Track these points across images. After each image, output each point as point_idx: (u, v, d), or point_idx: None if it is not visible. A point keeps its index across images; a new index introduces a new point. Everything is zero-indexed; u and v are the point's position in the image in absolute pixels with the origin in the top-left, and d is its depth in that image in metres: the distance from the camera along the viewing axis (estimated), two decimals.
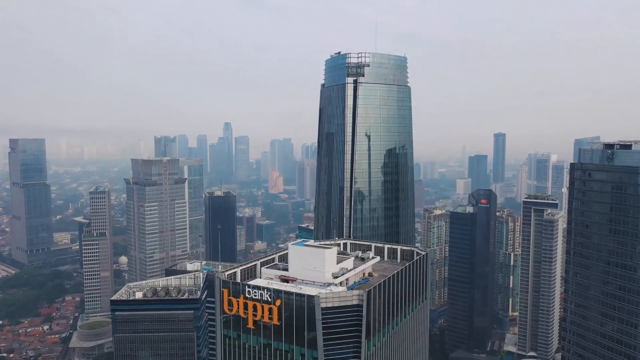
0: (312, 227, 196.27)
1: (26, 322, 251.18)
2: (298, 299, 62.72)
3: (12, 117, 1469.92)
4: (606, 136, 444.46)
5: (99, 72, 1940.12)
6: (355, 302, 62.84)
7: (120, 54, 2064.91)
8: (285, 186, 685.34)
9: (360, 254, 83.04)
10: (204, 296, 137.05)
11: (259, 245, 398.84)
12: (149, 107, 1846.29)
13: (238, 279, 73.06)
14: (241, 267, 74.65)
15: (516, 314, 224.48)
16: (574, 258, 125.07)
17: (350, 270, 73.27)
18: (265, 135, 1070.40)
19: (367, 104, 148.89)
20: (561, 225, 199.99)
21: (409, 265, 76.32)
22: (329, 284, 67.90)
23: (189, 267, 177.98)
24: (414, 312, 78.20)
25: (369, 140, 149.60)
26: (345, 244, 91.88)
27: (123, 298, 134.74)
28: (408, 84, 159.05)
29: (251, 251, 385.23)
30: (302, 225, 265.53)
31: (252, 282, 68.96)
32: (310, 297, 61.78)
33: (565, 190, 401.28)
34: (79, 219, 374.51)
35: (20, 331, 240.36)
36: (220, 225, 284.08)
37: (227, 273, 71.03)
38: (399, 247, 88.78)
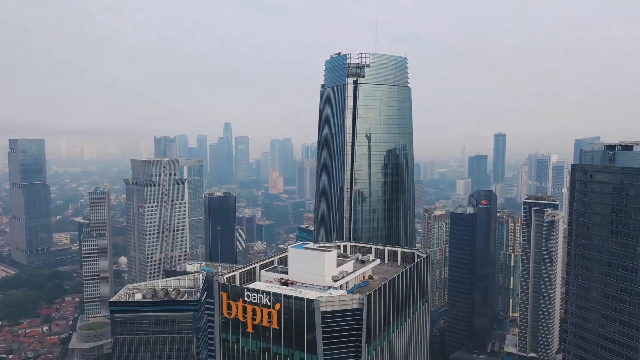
0: (312, 228, 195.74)
1: (25, 322, 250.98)
2: (297, 302, 62.16)
3: (12, 117, 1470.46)
4: (606, 136, 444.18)
5: (99, 72, 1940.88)
6: (355, 306, 62.28)
7: (120, 54, 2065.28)
8: (285, 186, 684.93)
9: (360, 256, 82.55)
10: (203, 297, 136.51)
11: (259, 245, 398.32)
12: (149, 107, 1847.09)
13: (237, 282, 72.50)
14: (240, 270, 74.10)
15: (516, 314, 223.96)
16: (575, 259, 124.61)
17: (351, 273, 72.73)
18: (265, 135, 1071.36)
19: (367, 105, 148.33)
20: (562, 226, 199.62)
21: (410, 268, 75.76)
22: (329, 287, 67.37)
23: (189, 268, 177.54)
24: (414, 315, 77.64)
25: (369, 141, 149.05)
26: (345, 246, 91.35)
27: (122, 299, 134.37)
28: (408, 85, 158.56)
29: (251, 251, 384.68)
30: (302, 226, 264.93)
31: (251, 286, 68.40)
32: (310, 301, 61.23)
33: (565, 190, 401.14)
34: (79, 219, 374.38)
35: (19, 332, 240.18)
36: (220, 226, 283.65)
37: (226, 276, 70.47)
38: (399, 250, 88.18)
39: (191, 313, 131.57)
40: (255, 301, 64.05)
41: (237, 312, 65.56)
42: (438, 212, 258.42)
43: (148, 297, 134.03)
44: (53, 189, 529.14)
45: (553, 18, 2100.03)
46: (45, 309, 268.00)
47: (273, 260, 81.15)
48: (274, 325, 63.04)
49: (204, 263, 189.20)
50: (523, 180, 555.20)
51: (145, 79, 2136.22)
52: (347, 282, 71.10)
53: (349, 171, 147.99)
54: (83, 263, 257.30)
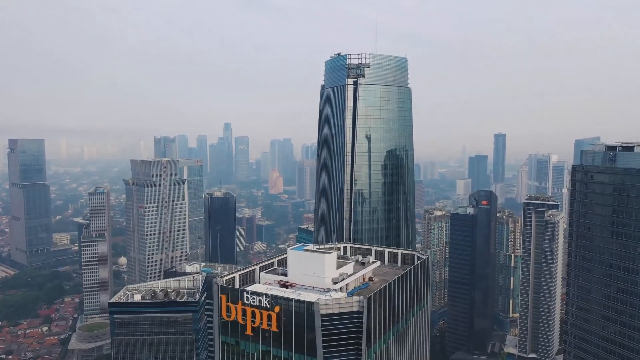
0: (312, 229, 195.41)
1: (25, 323, 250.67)
2: (297, 305, 61.74)
3: (12, 117, 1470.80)
4: (606, 136, 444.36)
5: (99, 72, 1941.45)
6: (355, 309, 61.86)
7: (120, 54, 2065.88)
8: (285, 186, 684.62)
9: (360, 258, 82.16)
10: (203, 298, 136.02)
11: (259, 246, 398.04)
12: (149, 107, 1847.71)
13: (236, 284, 72.12)
14: (240, 272, 73.69)
15: (517, 315, 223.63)
16: (576, 260, 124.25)
17: (351, 275, 72.31)
18: (265, 135, 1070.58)
19: (368, 106, 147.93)
20: (562, 226, 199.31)
21: (410, 270, 75.37)
22: (329, 290, 66.97)
23: (188, 269, 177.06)
24: (415, 317, 77.25)
25: (369, 142, 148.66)
26: (345, 248, 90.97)
27: (121, 300, 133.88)
28: (409, 85, 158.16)
29: (251, 252, 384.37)
30: (301, 227, 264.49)
31: (250, 288, 67.99)
32: (310, 304, 60.83)
33: (565, 191, 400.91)
34: (79, 219, 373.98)
35: (19, 332, 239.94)
36: (220, 227, 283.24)
37: (225, 278, 70.06)
38: (399, 251, 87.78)
39: (191, 314, 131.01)
40: (255, 304, 63.65)
41: (236, 314, 65.18)
42: (438, 213, 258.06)
43: (147, 298, 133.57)
44: (53, 189, 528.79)
45: (553, 18, 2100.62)
46: (45, 310, 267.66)
47: (273, 262, 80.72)
48: (274, 328, 62.64)
49: (203, 264, 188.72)
50: (523, 180, 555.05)
51: (145, 79, 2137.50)
52: (347, 285, 70.70)
53: (349, 172, 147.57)
54: (83, 263, 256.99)
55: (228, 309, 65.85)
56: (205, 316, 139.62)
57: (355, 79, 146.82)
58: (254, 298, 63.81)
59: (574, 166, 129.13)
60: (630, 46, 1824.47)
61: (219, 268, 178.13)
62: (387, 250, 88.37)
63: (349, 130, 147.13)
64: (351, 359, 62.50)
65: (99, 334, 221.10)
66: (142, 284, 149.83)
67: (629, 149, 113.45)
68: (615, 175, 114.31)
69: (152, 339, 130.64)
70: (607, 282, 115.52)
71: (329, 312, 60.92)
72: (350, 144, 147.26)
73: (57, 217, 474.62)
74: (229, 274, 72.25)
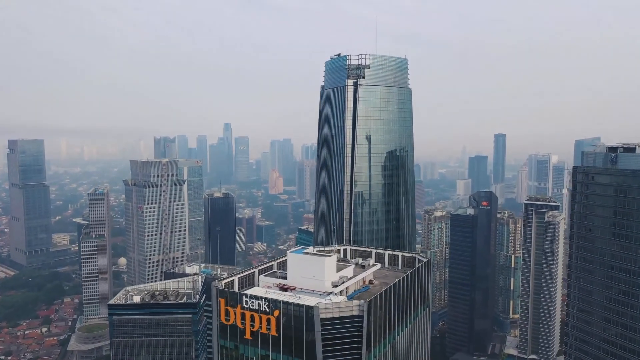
0: (312, 229, 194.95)
1: (24, 324, 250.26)
2: (297, 309, 61.21)
3: (12, 117, 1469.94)
4: (606, 136, 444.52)
5: (99, 72, 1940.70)
6: (355, 313, 61.32)
7: (120, 54, 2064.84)
8: (285, 187, 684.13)
9: (360, 260, 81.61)
10: (202, 300, 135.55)
11: (259, 246, 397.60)
12: (149, 107, 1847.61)
13: (235, 287, 71.57)
14: (239, 275, 73.12)
15: (517, 316, 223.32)
16: (577, 262, 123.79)
17: (351, 278, 71.79)
18: (265, 135, 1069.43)
19: (368, 106, 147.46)
20: (562, 227, 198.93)
21: (411, 273, 74.82)
22: (329, 293, 66.44)
23: (188, 270, 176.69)
24: (415, 320, 76.72)
25: (369, 143, 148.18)
26: (345, 250, 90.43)
27: (121, 302, 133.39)
28: (409, 86, 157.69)
29: (251, 252, 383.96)
30: (301, 227, 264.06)
31: (249, 291, 67.44)
32: (309, 308, 60.29)
33: (565, 191, 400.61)
34: (78, 220, 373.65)
35: (18, 333, 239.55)
36: (220, 227, 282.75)
37: (224, 281, 69.50)
38: (400, 254, 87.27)
39: (190, 316, 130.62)
40: (254, 307, 63.12)
41: (235, 318, 64.65)
42: (438, 213, 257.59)
43: (147, 299, 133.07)
44: (53, 190, 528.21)
45: (553, 18, 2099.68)
46: (45, 310, 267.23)
47: (272, 265, 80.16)
48: (273, 332, 62.10)
49: (203, 265, 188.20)
50: (523, 180, 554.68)
51: (145, 79, 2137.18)
52: (347, 288, 70.18)
53: (349, 173, 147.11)
54: (82, 264, 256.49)
55: (227, 313, 65.32)
56: (205, 318, 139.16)
57: (355, 80, 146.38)
58: (253, 302, 63.28)
59: (574, 167, 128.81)
60: (630, 46, 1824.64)
61: (219, 269, 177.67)
62: (387, 252, 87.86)
63: (349, 131, 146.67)
64: None
65: (98, 335, 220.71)
66: (142, 286, 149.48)
67: (630, 150, 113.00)
68: (616, 177, 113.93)
69: (152, 341, 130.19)
70: (608, 284, 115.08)
71: (329, 316, 60.40)
72: (350, 145, 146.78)
73: (57, 218, 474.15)
74: (228, 277, 71.67)
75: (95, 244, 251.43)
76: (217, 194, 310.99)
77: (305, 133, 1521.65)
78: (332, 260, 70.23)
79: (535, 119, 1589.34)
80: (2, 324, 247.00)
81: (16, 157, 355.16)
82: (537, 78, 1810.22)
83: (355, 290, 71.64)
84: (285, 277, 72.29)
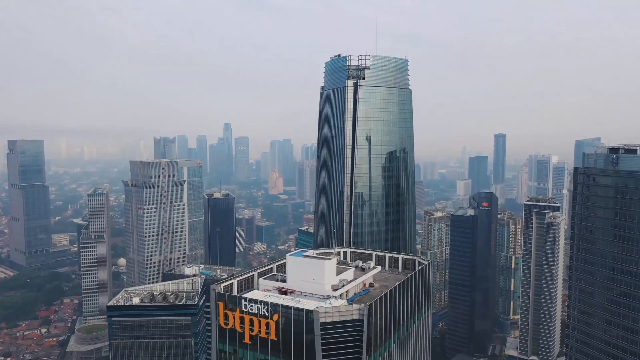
0: (312, 230, 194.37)
1: (24, 325, 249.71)
2: (296, 313, 60.65)
3: (12, 117, 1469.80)
4: (606, 136, 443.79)
5: (99, 72, 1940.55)
6: (355, 317, 60.76)
7: (120, 54, 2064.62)
8: (285, 187, 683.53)
9: (360, 263, 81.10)
10: (201, 302, 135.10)
11: (259, 247, 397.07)
12: (149, 107, 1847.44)
13: (235, 290, 71.06)
14: (238, 278, 72.61)
15: (517, 317, 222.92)
16: (578, 264, 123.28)
17: (351, 281, 71.25)
18: (265, 135, 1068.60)
19: (368, 107, 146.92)
20: (563, 228, 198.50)
21: (411, 276, 74.27)
22: (329, 297, 65.92)
23: (187, 271, 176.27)
24: (416, 324, 76.20)
25: (370, 144, 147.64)
26: (345, 253, 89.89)
27: (120, 303, 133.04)
28: (409, 87, 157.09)
29: (250, 253, 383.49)
30: (301, 228, 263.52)
31: (248, 295, 66.91)
32: (309, 312, 59.74)
33: (566, 191, 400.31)
34: (78, 220, 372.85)
35: (17, 334, 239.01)
36: (219, 228, 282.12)
37: (223, 284, 68.95)
38: (400, 256, 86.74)
39: (189, 317, 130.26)
40: (253, 311, 62.60)
41: (234, 322, 64.13)
42: (438, 214, 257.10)
43: (146, 301, 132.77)
44: (52, 190, 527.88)
45: (553, 18, 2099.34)
46: (44, 311, 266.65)
47: (271, 268, 79.63)
48: (272, 337, 61.57)
49: (202, 266, 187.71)
50: (523, 181, 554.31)
51: (145, 79, 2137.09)
52: (347, 291, 69.66)
53: (349, 174, 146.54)
54: (81, 265, 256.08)
55: (226, 317, 64.80)
56: (204, 319, 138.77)
57: (355, 81, 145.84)
58: (252, 306, 62.76)
59: (575, 168, 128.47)
60: (630, 46, 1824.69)
61: (218, 270, 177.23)
62: (387, 255, 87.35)
63: (349, 132, 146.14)
64: None
65: (97, 336, 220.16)
66: (141, 287, 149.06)
67: (631, 151, 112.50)
68: (617, 178, 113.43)
69: (151, 342, 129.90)
70: (610, 285, 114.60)
71: (329, 320, 59.86)
72: (351, 146, 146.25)
73: (57, 218, 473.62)
74: (227, 280, 71.13)
75: (95, 244, 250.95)
76: (217, 195, 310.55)
77: (305, 133, 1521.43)
78: (332, 264, 69.70)
79: (535, 119, 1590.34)
80: (1, 324, 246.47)
81: (16, 158, 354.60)
82: (537, 78, 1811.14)
83: (355, 294, 71.12)
84: (284, 280, 71.79)
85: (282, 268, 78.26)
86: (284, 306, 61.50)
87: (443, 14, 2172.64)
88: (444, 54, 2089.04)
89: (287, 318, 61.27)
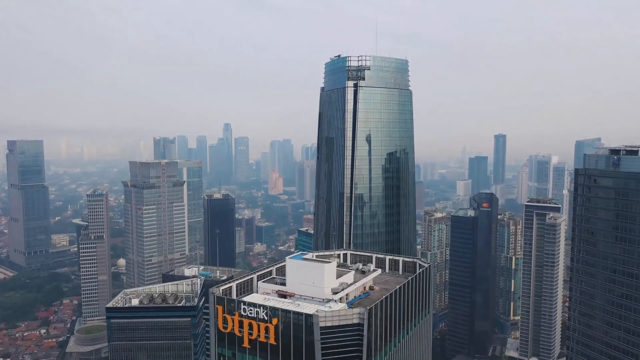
0: (312, 231, 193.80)
1: (23, 325, 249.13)
2: (296, 317, 60.11)
3: (12, 117, 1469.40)
4: (606, 137, 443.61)
5: (99, 72, 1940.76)
6: (355, 321, 60.22)
7: (120, 54, 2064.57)
8: (285, 187, 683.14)
9: (360, 266, 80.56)
10: (201, 303, 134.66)
11: (259, 247, 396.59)
12: (149, 107, 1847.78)
13: (234, 293, 70.53)
14: (237, 281, 72.08)
15: (518, 318, 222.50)
16: (578, 265, 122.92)
17: (351, 284, 70.69)
18: (265, 135, 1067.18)
19: (368, 108, 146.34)
20: (563, 229, 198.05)
21: (412, 279, 73.72)
22: (329, 300, 65.38)
23: (187, 272, 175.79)
24: (416, 327, 75.66)
25: (370, 145, 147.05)
26: (345, 255, 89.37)
27: (119, 305, 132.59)
28: (409, 88, 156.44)
29: (250, 253, 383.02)
30: (301, 229, 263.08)
31: (247, 298, 66.36)
32: (309, 316, 59.19)
33: (566, 192, 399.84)
34: (77, 221, 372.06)
35: (17, 335, 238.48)
36: (219, 229, 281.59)
37: (222, 288, 68.43)
38: (400, 259, 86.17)
39: (189, 319, 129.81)
40: (252, 315, 62.06)
41: (233, 326, 63.59)
42: (439, 215, 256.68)
43: (145, 302, 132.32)
44: (52, 190, 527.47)
45: (553, 18, 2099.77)
46: (43, 312, 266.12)
47: (271, 271, 79.07)
48: (272, 341, 61.03)
49: (202, 267, 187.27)
50: (523, 181, 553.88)
51: (145, 79, 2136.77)
52: (347, 295, 69.11)
53: (349, 175, 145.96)
54: (81, 266, 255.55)
55: (225, 320, 64.26)
56: (204, 321, 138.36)
57: (355, 82, 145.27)
58: (251, 309, 62.21)
59: (576, 169, 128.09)
60: (630, 46, 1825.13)
61: (218, 271, 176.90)
62: (387, 257, 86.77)
63: (349, 133, 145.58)
64: None
65: (97, 337, 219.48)
66: (140, 288, 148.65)
67: (632, 152, 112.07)
68: (618, 179, 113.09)
69: (150, 344, 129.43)
70: (611, 287, 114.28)
71: (329, 324, 59.31)
72: (351, 147, 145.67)
73: (57, 218, 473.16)
74: (226, 283, 70.59)
75: (94, 245, 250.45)
76: (217, 195, 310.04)
77: (305, 133, 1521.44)
78: (331, 267, 69.17)
79: (535, 119, 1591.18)
80: (0, 325, 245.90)
81: (15, 158, 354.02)
82: (537, 78, 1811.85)
83: (355, 297, 70.57)
84: (284, 284, 71.25)
85: (281, 271, 77.75)
86: (283, 310, 60.99)
87: (443, 14, 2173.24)
88: (444, 54, 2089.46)
89: (287, 322, 60.75)
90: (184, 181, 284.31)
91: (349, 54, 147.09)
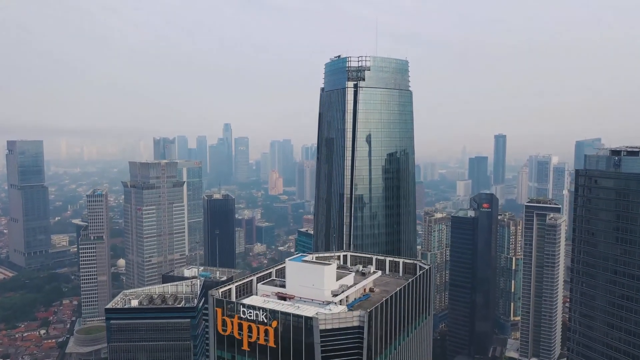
0: (312, 232, 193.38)
1: (23, 326, 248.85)
2: (295, 320, 59.75)
3: (12, 117, 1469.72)
4: (607, 137, 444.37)
5: (99, 72, 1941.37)
6: (355, 324, 59.85)
7: (120, 54, 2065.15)
8: (285, 187, 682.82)
9: (360, 268, 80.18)
10: (200, 304, 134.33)
11: (258, 247, 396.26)
12: (149, 107, 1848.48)
13: (233, 296, 70.16)
14: (236, 284, 71.72)
15: (518, 318, 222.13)
16: (579, 266, 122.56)
17: (351, 286, 70.34)
18: (265, 135, 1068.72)
19: (368, 109, 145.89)
20: (563, 229, 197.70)
21: (412, 281, 73.37)
22: (329, 303, 65.05)
23: (186, 273, 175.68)
24: (417, 329, 75.34)
25: (370, 146, 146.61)
26: (345, 257, 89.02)
27: (118, 306, 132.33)
28: (410, 88, 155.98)
29: (250, 254, 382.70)
30: (301, 230, 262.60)
31: (247, 301, 65.99)
32: (308, 319, 58.84)
33: (566, 192, 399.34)
34: (77, 221, 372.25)
35: (16, 335, 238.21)
36: (218, 230, 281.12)
37: (221, 290, 68.05)
38: (401, 260, 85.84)
39: (188, 320, 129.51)
40: (252, 318, 61.70)
41: (232, 329, 63.24)
42: (439, 215, 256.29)
43: (145, 303, 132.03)
44: (52, 190, 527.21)
45: (553, 18, 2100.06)
46: (43, 312, 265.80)
47: (270, 272, 78.71)
48: (271, 344, 60.65)
49: (202, 268, 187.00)
50: (524, 181, 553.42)
51: (145, 79, 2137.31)
52: (347, 297, 68.76)
53: (349, 176, 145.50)
54: (81, 266, 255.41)
55: (224, 323, 63.90)
56: (203, 322, 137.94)
57: (355, 82, 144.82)
58: (250, 312, 61.84)
59: (577, 170, 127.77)
60: (630, 46, 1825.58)
61: (217, 272, 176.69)
62: (388, 259, 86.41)
63: (349, 134, 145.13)
64: None
65: (96, 338, 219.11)
66: (139, 289, 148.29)
67: (634, 153, 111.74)
68: (619, 180, 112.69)
69: (150, 345, 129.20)
70: (611, 288, 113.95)
71: (329, 327, 58.94)
72: (351, 148, 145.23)
73: (56, 219, 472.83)
74: (225, 286, 70.22)
75: (94, 245, 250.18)
76: (217, 195, 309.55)
77: (305, 133, 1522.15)
78: (331, 269, 68.82)
79: (535, 119, 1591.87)
80: (0, 325, 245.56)
81: (15, 158, 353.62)
82: (537, 78, 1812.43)
83: (355, 299, 70.24)
84: (283, 286, 70.87)
85: (281, 273, 77.41)
86: (283, 313, 60.62)
87: (443, 14, 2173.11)
88: (444, 54, 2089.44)
89: (286, 325, 60.38)
90: (184, 181, 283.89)
91: (349, 54, 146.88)
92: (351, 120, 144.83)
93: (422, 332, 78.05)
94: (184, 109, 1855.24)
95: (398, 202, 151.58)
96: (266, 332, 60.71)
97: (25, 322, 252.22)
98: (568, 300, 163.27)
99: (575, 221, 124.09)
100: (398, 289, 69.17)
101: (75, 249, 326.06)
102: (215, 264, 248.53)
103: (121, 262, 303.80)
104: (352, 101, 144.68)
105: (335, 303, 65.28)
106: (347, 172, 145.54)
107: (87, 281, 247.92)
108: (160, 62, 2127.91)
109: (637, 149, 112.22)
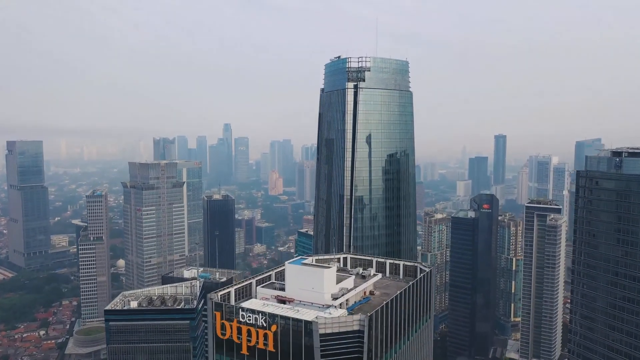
0: (312, 233, 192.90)
1: (22, 327, 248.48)
2: (295, 324, 59.17)
3: (12, 117, 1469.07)
4: (607, 137, 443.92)
5: (99, 72, 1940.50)
6: (356, 328, 59.32)
7: (120, 54, 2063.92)
8: (285, 187, 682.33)
9: (361, 270, 79.68)
10: (200, 306, 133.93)
11: (258, 248, 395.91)
12: (149, 108, 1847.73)
13: (232, 299, 69.70)
14: (235, 287, 71.25)
15: (518, 319, 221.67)
16: (580, 268, 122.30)
17: (351, 289, 69.84)
18: (265, 135, 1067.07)
19: (368, 110, 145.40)
20: (564, 230, 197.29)
21: (412, 284, 72.86)
22: (329, 306, 64.55)
23: (186, 274, 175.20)
24: (417, 332, 74.84)
25: (370, 147, 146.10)
26: (345, 259, 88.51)
27: (118, 307, 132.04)
28: (410, 89, 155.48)
29: (250, 254, 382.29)
30: (301, 230, 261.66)
31: (246, 304, 65.47)
32: (308, 323, 58.32)
33: (566, 192, 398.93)
34: (77, 221, 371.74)
35: (16, 336, 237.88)
36: (218, 231, 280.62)
37: (220, 293, 67.56)
38: (401, 263, 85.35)
39: (188, 321, 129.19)
40: (251, 322, 61.17)
41: (231, 332, 62.73)
42: (439, 216, 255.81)
43: (144, 305, 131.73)
44: (52, 190, 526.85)
45: (553, 18, 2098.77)
46: (42, 313, 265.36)
47: (270, 275, 78.23)
48: (270, 348, 60.13)
49: (201, 269, 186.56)
50: (524, 182, 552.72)
51: (145, 79, 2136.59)
52: (347, 300, 68.27)
53: (349, 177, 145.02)
54: (80, 267, 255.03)
55: (223, 327, 63.38)
56: (203, 323, 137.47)
57: (355, 83, 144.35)
58: (249, 316, 61.32)
59: (578, 171, 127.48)
60: (630, 46, 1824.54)
61: (217, 273, 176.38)
62: (388, 261, 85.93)
63: (349, 135, 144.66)
64: None
65: (96, 339, 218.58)
66: (139, 290, 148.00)
67: (635, 154, 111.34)
68: (620, 182, 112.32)
69: (149, 347, 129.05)
70: (612, 290, 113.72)
71: (328, 331, 58.40)
72: (351, 149, 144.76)
73: (56, 219, 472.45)
74: (224, 289, 69.74)
75: (94, 246, 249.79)
76: (217, 196, 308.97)
77: (305, 134, 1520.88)
78: (331, 272, 68.33)
79: (535, 119, 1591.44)
80: None
81: (15, 158, 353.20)
82: (537, 78, 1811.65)
83: (355, 302, 69.75)
84: (283, 289, 70.36)
85: (280, 276, 76.93)
86: (282, 317, 60.09)
87: (443, 14, 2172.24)
88: (444, 54, 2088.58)
89: (286, 329, 59.87)
90: (184, 182, 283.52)
91: (349, 55, 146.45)
92: (351, 121, 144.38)
93: (423, 335, 77.55)
94: (184, 109, 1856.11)
95: (398, 203, 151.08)
96: (265, 336, 60.20)
97: (24, 323, 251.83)
98: (568, 301, 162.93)
99: (576, 222, 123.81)
100: (399, 292, 68.68)
101: (75, 250, 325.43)
102: (215, 264, 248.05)
103: (121, 262, 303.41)
104: (352, 102, 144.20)
105: (335, 306, 64.78)
106: (347, 173, 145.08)
107: (87, 282, 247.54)
108: (160, 62, 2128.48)
109: (638, 150, 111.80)
